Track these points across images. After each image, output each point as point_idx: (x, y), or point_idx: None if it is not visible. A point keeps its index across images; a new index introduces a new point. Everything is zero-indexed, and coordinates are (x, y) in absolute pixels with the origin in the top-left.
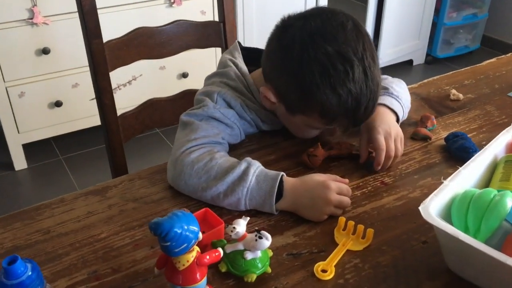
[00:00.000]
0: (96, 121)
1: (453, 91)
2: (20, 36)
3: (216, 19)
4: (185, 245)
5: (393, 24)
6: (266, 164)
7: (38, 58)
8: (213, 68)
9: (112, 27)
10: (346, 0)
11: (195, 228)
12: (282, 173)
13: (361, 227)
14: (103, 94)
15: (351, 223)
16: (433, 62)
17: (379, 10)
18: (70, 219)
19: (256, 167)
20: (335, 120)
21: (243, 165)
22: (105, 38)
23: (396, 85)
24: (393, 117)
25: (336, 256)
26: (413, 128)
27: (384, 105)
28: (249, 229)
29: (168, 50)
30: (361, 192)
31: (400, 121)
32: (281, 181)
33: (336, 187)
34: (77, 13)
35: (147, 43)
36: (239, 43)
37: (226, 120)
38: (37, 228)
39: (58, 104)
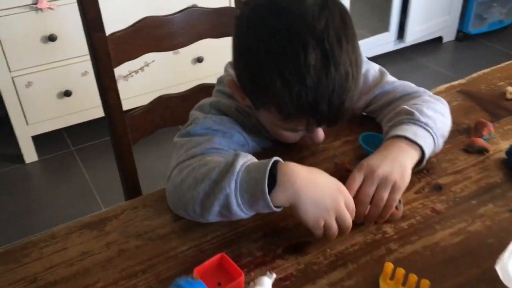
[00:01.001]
0: None
1: (509, 88)
2: (25, 23)
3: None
4: None
5: None
6: None
7: (45, 45)
8: (229, 53)
9: (116, 12)
10: None
11: None
12: (276, 158)
13: (413, 277)
14: (108, 93)
15: (401, 271)
16: (464, 38)
17: None
18: (61, 263)
19: (247, 158)
20: (293, 118)
21: (230, 158)
22: (112, 25)
23: (428, 108)
24: (410, 155)
25: None
26: (465, 137)
27: (403, 136)
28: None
29: (179, 41)
30: (409, 223)
31: (428, 155)
32: (276, 166)
33: (348, 197)
34: None
35: (156, 34)
36: None
37: (220, 126)
38: (22, 274)
39: (67, 93)
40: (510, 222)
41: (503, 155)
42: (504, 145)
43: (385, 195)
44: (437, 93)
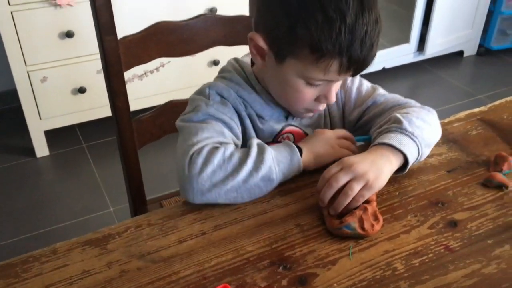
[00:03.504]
0: None
1: None
2: (43, 18)
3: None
4: None
5: (445, 11)
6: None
7: (62, 41)
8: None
9: (136, 11)
10: None
11: None
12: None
13: None
14: (117, 96)
15: None
16: (485, 54)
17: None
18: (61, 280)
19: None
20: (328, 56)
21: (254, 142)
22: (125, 22)
23: (418, 117)
24: (390, 161)
25: None
26: (483, 170)
27: (388, 144)
28: None
29: (191, 47)
30: (420, 260)
31: (412, 163)
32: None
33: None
34: None
35: (168, 40)
36: None
37: (222, 116)
38: None
39: (81, 90)
40: None
41: None
42: None
43: (357, 188)
44: (457, 120)
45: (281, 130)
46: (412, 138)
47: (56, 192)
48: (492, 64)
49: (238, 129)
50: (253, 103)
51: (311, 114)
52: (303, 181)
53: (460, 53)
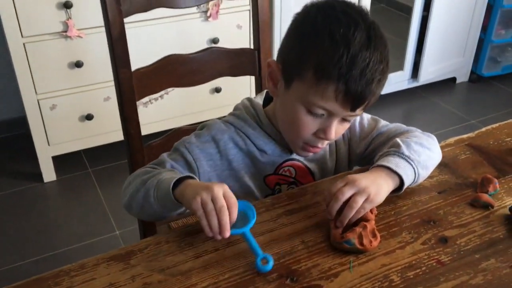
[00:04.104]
0: None
1: None
2: (54, 49)
3: (253, 34)
4: None
5: (437, 40)
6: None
7: (71, 71)
8: (247, 84)
9: (145, 42)
10: (389, 11)
11: None
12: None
13: None
14: (129, 123)
15: None
16: (477, 80)
17: (423, 25)
18: None
19: (182, 174)
20: (326, 78)
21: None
22: (138, 53)
23: (416, 142)
24: (387, 181)
25: None
26: (472, 191)
27: (385, 166)
28: None
29: (199, 78)
30: (415, 273)
31: (408, 184)
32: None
33: (226, 190)
34: None
35: (178, 71)
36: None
37: (187, 155)
38: None
39: (89, 117)
40: (511, 278)
41: (506, 211)
42: (509, 202)
43: (360, 201)
44: (447, 146)
45: (283, 162)
46: (408, 161)
47: (63, 216)
48: (484, 90)
49: (197, 171)
50: (257, 138)
51: (309, 154)
52: (306, 203)
53: (453, 79)
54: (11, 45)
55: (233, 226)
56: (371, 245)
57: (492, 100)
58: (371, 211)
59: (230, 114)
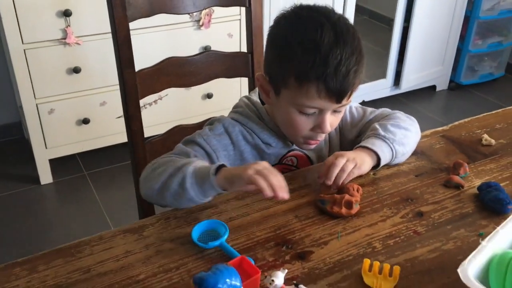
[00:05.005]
0: (121, 138)
1: (485, 135)
2: (53, 55)
3: (243, 42)
4: None
5: (417, 49)
6: None
7: (69, 76)
8: (237, 90)
9: (141, 49)
10: (372, 23)
11: (237, 283)
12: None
13: (387, 266)
14: (133, 121)
15: (376, 263)
16: (456, 88)
17: (404, 35)
18: (110, 258)
19: (201, 161)
20: (306, 81)
21: (197, 159)
22: (142, 57)
23: (393, 124)
24: (366, 158)
25: None
26: (445, 174)
27: (363, 146)
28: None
29: (197, 79)
30: (394, 241)
31: (386, 162)
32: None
33: (262, 165)
34: (108, 34)
35: (177, 72)
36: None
37: (206, 146)
38: (77, 266)
39: (85, 121)
40: (477, 244)
41: (475, 190)
42: (477, 183)
43: (350, 166)
44: (424, 137)
45: (286, 153)
46: (384, 140)
47: (60, 218)
48: (462, 98)
49: (218, 161)
50: (261, 132)
51: (311, 146)
52: (298, 184)
53: (433, 87)
54: (12, 51)
55: (211, 239)
56: (339, 212)
57: (469, 107)
58: (357, 190)
59: (233, 112)
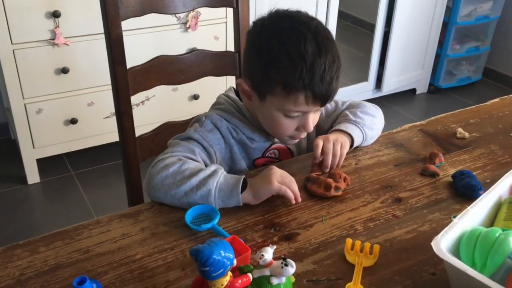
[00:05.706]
0: (108, 138)
1: (460, 129)
2: (41, 56)
3: (228, 44)
4: (221, 270)
5: (398, 54)
6: None
7: (57, 77)
8: (223, 91)
9: (129, 50)
10: (355, 28)
11: (230, 255)
12: (244, 176)
13: (367, 245)
14: (124, 117)
15: (358, 242)
16: (435, 91)
17: (385, 40)
18: (107, 240)
19: (223, 170)
20: (294, 90)
21: (213, 167)
22: (132, 56)
23: (362, 111)
24: (345, 138)
25: (358, 275)
26: (422, 164)
27: (337, 129)
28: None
29: (186, 77)
30: (374, 224)
31: (358, 144)
32: (245, 179)
33: (280, 174)
34: (96, 35)
35: (167, 70)
36: (234, 88)
37: (203, 142)
38: (77, 247)
39: (73, 121)
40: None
41: (450, 179)
42: (452, 171)
43: (338, 147)
44: (403, 130)
45: (269, 146)
46: (355, 124)
47: (47, 217)
48: (441, 100)
49: (215, 155)
50: (244, 128)
51: (295, 141)
52: None
53: (413, 90)
54: (0, 52)
55: (203, 223)
56: (316, 191)
57: (448, 109)
58: (344, 180)
59: (216, 108)
